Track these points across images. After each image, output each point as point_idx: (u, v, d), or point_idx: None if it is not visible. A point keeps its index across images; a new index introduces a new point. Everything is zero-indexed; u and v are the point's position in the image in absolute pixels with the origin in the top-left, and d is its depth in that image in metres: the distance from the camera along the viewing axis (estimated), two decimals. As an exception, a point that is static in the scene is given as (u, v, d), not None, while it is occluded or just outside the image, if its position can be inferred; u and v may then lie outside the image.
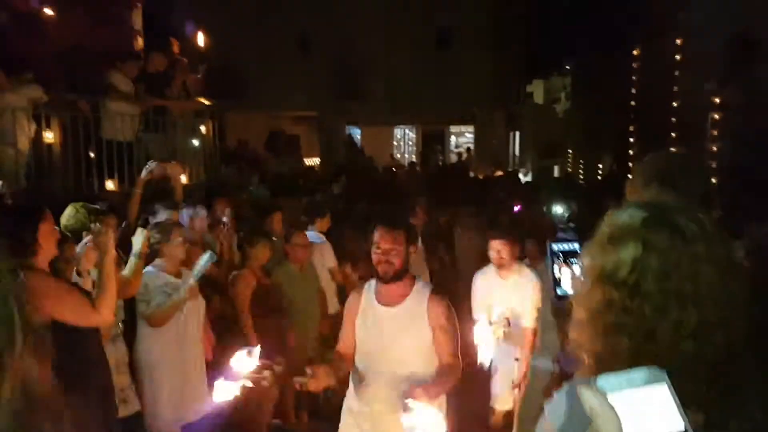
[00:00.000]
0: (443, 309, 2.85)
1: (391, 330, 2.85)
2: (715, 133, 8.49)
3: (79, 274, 3.41)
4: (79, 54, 6.33)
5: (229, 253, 4.87)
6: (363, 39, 16.12)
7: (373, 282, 2.98)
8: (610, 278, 1.03)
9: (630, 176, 1.86)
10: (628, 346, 1.01)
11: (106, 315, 2.81)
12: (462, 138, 21.32)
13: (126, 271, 3.34)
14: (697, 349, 0.98)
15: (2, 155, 5.94)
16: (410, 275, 2.92)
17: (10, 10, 6.29)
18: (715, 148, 8.43)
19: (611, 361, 1.01)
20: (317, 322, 5.10)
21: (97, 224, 3.11)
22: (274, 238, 5.04)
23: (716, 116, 8.68)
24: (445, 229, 8.09)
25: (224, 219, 4.85)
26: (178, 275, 3.81)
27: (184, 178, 5.78)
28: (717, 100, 8.56)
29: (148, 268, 3.71)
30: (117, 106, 6.33)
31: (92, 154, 6.33)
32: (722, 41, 8.88)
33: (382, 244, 2.81)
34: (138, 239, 3.36)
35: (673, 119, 10.50)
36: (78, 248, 3.39)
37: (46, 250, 2.77)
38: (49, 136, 6.44)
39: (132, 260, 3.36)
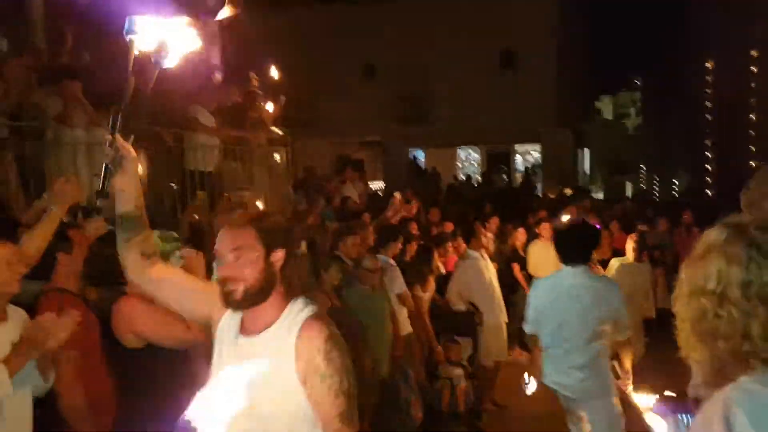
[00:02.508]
0: (321, 342, 1.88)
1: (247, 371, 1.86)
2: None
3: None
4: (164, 88, 6.72)
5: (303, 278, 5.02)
6: (426, 63, 16.32)
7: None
8: (701, 290, 1.20)
9: (745, 188, 1.81)
10: (725, 348, 1.17)
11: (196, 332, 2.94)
12: (528, 157, 21.10)
13: None
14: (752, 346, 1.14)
15: (94, 187, 6.33)
16: (284, 292, 2.00)
17: (98, 48, 6.74)
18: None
19: (715, 364, 1.20)
20: (390, 344, 5.17)
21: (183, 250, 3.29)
22: (347, 261, 5.17)
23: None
24: (518, 248, 8.08)
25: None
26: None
27: (260, 205, 6.01)
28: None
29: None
30: (199, 137, 6.68)
31: (175, 185, 6.68)
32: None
33: (219, 249, 1.95)
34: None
35: (752, 132, 10.12)
36: None
37: None
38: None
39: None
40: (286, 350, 1.89)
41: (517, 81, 16.91)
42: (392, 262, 5.59)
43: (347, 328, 4.68)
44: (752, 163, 8.81)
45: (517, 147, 20.95)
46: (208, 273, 4.02)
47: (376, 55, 16.72)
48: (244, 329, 2.00)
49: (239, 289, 1.90)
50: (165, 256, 3.86)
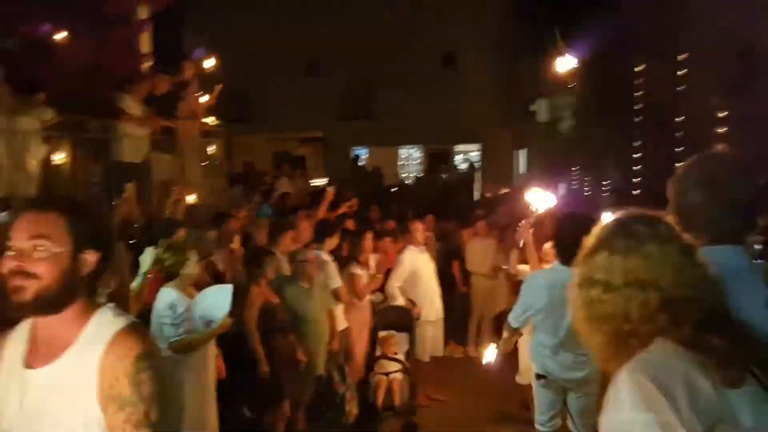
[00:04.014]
0: (130, 362, 1.52)
1: (36, 410, 1.55)
2: (721, 147, 8.50)
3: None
4: (90, 76, 6.44)
5: (236, 272, 4.90)
6: (369, 61, 16.31)
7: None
8: (590, 281, 1.36)
9: (671, 180, 1.85)
10: (608, 330, 1.33)
11: None
12: (468, 157, 21.38)
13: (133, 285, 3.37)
14: (672, 319, 1.28)
15: (14, 178, 6.00)
16: (87, 304, 1.60)
17: (21, 34, 6.42)
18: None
19: (607, 346, 1.35)
20: (326, 339, 5.12)
21: None
22: (282, 256, 5.08)
23: (721, 130, 8.70)
24: (456, 245, 8.15)
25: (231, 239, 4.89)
26: (192, 296, 3.85)
27: (192, 199, 5.83)
28: (722, 114, 8.59)
29: (172, 290, 3.72)
30: (126, 127, 6.42)
31: (100, 177, 6.41)
32: (726, 56, 8.93)
33: (14, 234, 1.54)
34: (146, 258, 3.41)
35: (678, 134, 10.51)
36: None
37: None
38: (59, 158, 6.51)
39: (137, 280, 3.39)
40: (86, 380, 1.51)
41: (457, 81, 17.11)
42: (329, 257, 5.53)
43: (282, 323, 4.63)
44: (677, 165, 9.18)
45: (458, 147, 21.21)
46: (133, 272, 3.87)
47: (319, 51, 16.60)
48: (34, 356, 1.58)
49: (30, 288, 1.50)
50: (173, 271, 3.67)
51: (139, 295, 3.61)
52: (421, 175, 18.90)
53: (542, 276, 3.95)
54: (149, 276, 3.87)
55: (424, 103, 16.61)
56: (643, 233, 1.35)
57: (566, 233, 3.64)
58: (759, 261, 2.02)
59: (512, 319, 3.93)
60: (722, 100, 8.61)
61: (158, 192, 6.33)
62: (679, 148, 10.30)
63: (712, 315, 1.29)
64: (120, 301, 3.68)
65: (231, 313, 3.93)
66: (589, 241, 1.41)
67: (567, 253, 3.51)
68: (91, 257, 1.58)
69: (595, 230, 1.42)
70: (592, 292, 1.35)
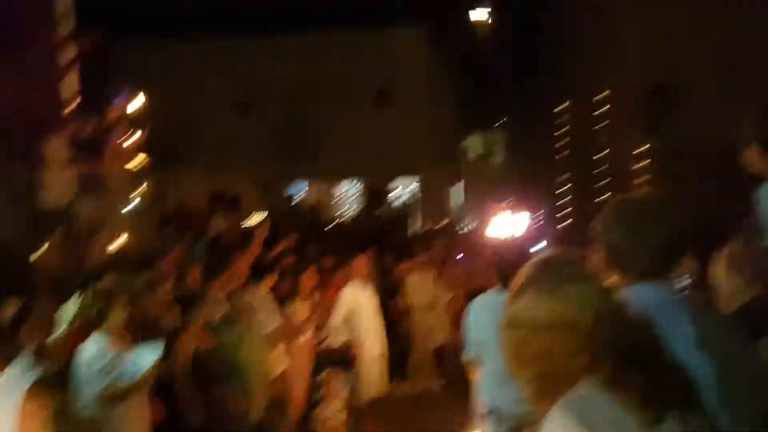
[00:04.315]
0: (40, 422, 1.41)
1: None
2: (642, 179, 8.94)
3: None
4: (10, 121, 6.20)
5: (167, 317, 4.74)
6: (304, 98, 16.44)
7: None
8: (516, 322, 1.39)
9: (596, 220, 1.91)
10: (536, 371, 1.36)
11: None
12: (405, 191, 21.63)
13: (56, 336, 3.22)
14: (593, 358, 1.30)
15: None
16: (3, 352, 1.50)
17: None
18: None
19: (533, 387, 1.38)
20: (265, 382, 4.99)
21: None
22: (217, 299, 4.95)
23: (642, 164, 9.17)
24: (396, 280, 8.19)
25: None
26: (122, 345, 3.71)
27: (121, 242, 5.65)
28: (642, 149, 9.06)
29: (99, 338, 3.60)
30: (50, 172, 6.19)
31: (23, 223, 6.11)
32: (644, 91, 9.46)
33: None
34: (70, 307, 3.28)
35: (602, 168, 11.00)
36: None
37: None
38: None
39: (62, 329, 3.25)
40: None
41: (393, 117, 17.41)
42: (267, 296, 5.44)
43: (216, 369, 4.49)
44: (600, 198, 9.61)
45: (396, 182, 21.45)
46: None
47: (251, 88, 16.61)
48: None
49: None
50: (100, 319, 3.49)
51: (64, 345, 3.44)
52: (357, 212, 19.02)
53: (484, 299, 3.91)
54: (74, 325, 3.70)
55: (361, 139, 16.80)
56: (565, 274, 1.39)
57: (506, 257, 3.76)
58: (681, 297, 2.07)
59: (465, 351, 3.88)
60: (640, 135, 9.09)
61: (85, 237, 6.09)
62: (600, 182, 10.79)
63: (633, 354, 1.32)
64: (44, 351, 3.49)
65: (163, 360, 3.78)
66: (517, 281, 1.44)
67: (507, 276, 3.32)
68: (10, 306, 1.52)
69: (522, 270, 1.46)
70: (519, 332, 1.38)
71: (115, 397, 3.53)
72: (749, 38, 8.75)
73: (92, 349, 3.56)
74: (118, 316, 3.71)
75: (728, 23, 9.01)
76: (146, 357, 3.64)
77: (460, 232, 13.71)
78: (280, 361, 5.35)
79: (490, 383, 3.69)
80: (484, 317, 3.70)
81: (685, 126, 8.67)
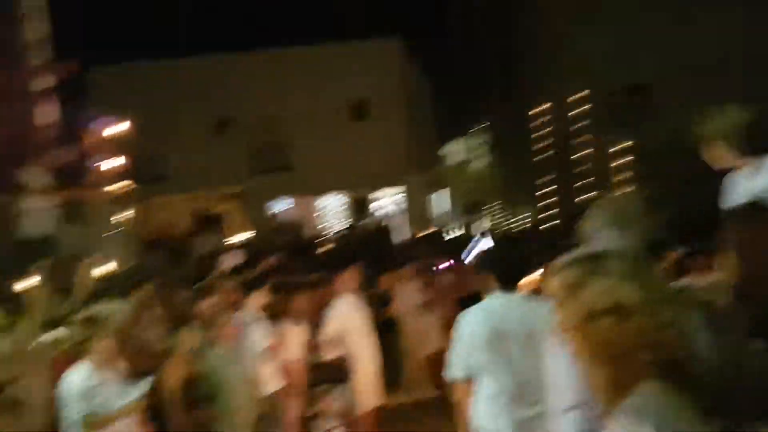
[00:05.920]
0: None
1: None
2: (620, 177, 9.04)
3: None
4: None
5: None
6: (281, 114, 16.45)
7: None
8: (595, 312, 1.24)
9: (583, 221, 1.92)
10: (625, 363, 1.23)
11: None
12: (387, 202, 21.64)
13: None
14: (655, 353, 1.21)
15: None
16: None
17: None
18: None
19: (614, 382, 1.27)
20: (254, 406, 4.92)
21: None
22: (202, 323, 4.89)
23: (619, 162, 9.28)
24: (384, 290, 8.16)
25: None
26: (110, 372, 3.68)
27: (104, 269, 5.58)
28: (617, 147, 9.17)
29: (84, 368, 3.56)
30: (31, 201, 6.13)
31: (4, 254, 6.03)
32: (619, 92, 9.58)
33: None
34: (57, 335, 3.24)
35: (581, 167, 11.11)
36: None
37: None
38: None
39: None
40: None
41: (371, 129, 17.47)
42: (257, 316, 5.38)
43: (203, 393, 4.43)
44: (586, 196, 9.70)
45: (378, 193, 21.48)
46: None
47: (228, 107, 16.58)
48: None
49: None
50: (85, 348, 3.43)
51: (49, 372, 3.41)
52: (342, 225, 19.00)
53: (479, 308, 3.32)
54: (59, 355, 3.67)
55: (339, 152, 16.83)
56: (619, 264, 1.28)
57: (506, 256, 3.30)
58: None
59: (452, 368, 3.30)
60: (617, 134, 9.21)
61: (68, 265, 6.02)
62: (580, 181, 10.91)
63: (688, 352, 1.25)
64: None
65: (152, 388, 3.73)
66: (561, 279, 1.30)
67: (509, 276, 3.13)
68: None
69: (558, 270, 1.32)
70: (604, 322, 1.23)
71: (95, 424, 3.50)
72: (722, 39, 8.93)
73: (76, 377, 3.56)
74: (105, 343, 3.67)
75: (702, 24, 9.20)
76: (133, 389, 3.62)
77: (447, 237, 13.73)
78: (272, 379, 5.29)
79: (488, 407, 3.20)
80: (479, 330, 3.20)
81: (662, 124, 8.79)
